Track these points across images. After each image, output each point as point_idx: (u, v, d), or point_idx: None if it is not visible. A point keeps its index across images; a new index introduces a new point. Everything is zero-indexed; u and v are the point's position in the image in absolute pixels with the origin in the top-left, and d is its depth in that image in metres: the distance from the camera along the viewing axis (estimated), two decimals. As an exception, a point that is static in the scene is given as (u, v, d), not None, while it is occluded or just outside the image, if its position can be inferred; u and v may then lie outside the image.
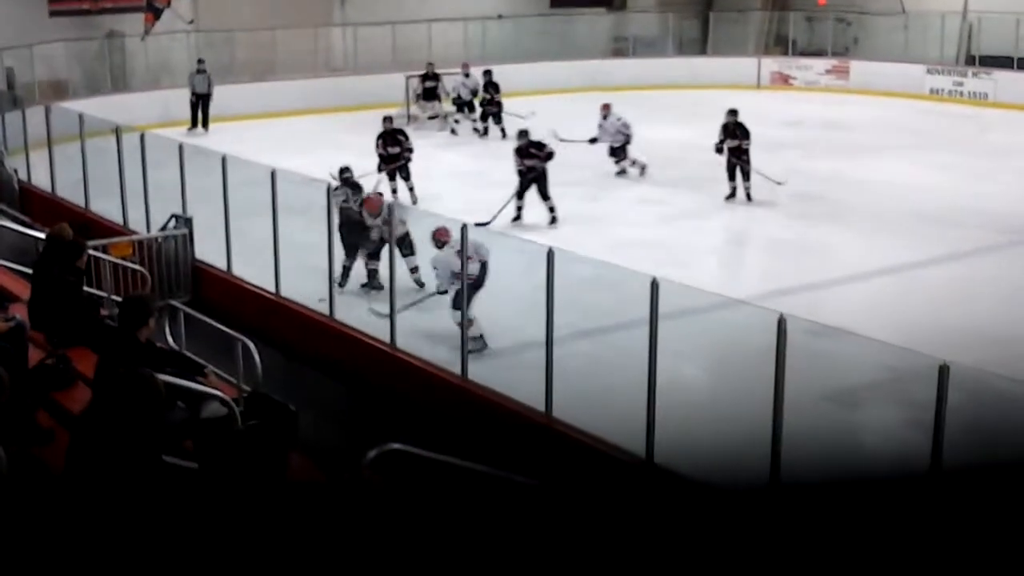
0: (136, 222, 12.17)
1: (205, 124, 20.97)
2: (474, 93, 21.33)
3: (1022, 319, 10.37)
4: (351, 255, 11.10)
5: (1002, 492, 6.61)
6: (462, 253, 8.64)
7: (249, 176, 10.90)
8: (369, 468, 5.52)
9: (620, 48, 29.15)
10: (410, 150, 15.21)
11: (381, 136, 15.22)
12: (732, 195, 15.44)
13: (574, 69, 26.52)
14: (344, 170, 12.20)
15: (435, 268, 9.96)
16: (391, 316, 9.21)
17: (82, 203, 13.19)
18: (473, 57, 23.88)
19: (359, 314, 10.13)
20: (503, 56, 25.24)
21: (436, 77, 21.90)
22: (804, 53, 28.44)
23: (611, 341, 9.39)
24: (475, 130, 21.22)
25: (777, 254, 13.39)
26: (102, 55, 22.55)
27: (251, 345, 7.50)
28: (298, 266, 10.54)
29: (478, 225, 10.03)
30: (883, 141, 20.07)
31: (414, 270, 10.92)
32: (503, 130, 21.13)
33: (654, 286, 6.93)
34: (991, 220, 14.26)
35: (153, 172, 12.08)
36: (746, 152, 15.34)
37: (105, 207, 12.87)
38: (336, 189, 11.22)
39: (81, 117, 13.25)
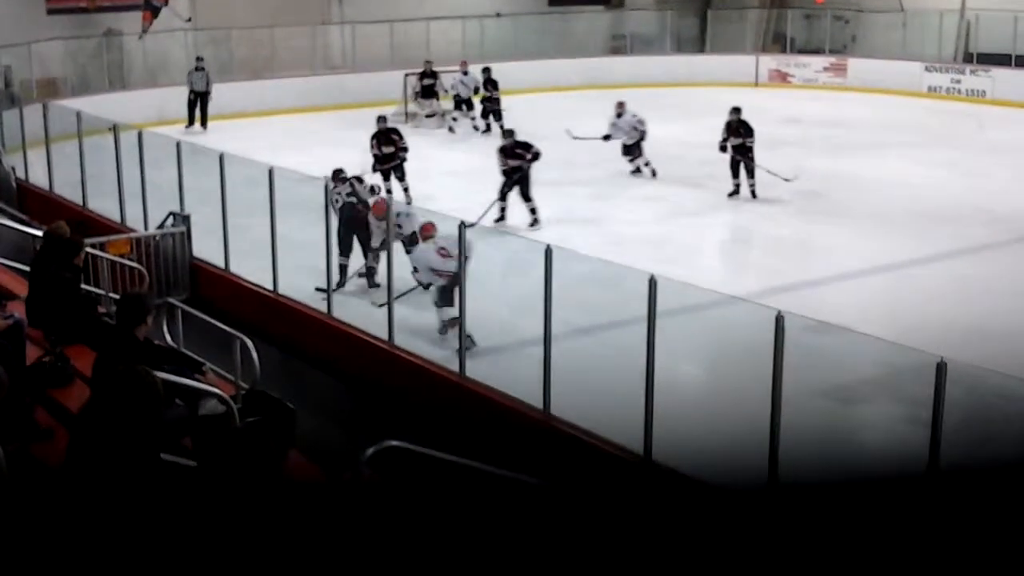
0: (134, 220, 12.16)
1: (204, 122, 20.94)
2: (476, 91, 21.32)
3: (1020, 315, 10.37)
4: (346, 253, 11.04)
5: (999, 488, 6.62)
6: (460, 251, 8.62)
7: (247, 174, 10.91)
8: (367, 465, 5.52)
9: (618, 46, 29.15)
10: (405, 149, 15.06)
11: (375, 136, 15.07)
12: (735, 192, 15.43)
13: (572, 67, 26.54)
14: (338, 171, 11.99)
15: (414, 264, 9.97)
16: (389, 314, 9.22)
17: (80, 201, 13.19)
18: (471, 55, 23.86)
19: (357, 311, 10.13)
20: (501, 54, 25.24)
21: (434, 75, 21.88)
22: (802, 51, 28.44)
23: (609, 338, 9.39)
24: (475, 128, 21.22)
25: (775, 251, 13.39)
26: (100, 53, 22.53)
27: (249, 343, 7.50)
28: (296, 264, 10.55)
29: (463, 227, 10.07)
30: (881, 139, 20.07)
31: (416, 270, 10.85)
32: (503, 128, 21.12)
33: (652, 283, 6.94)
34: (989, 217, 14.27)
35: (151, 170, 12.09)
36: (750, 150, 15.34)
37: (103, 205, 12.87)
38: (335, 187, 11.18)
39: (79, 115, 13.24)
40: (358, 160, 13.67)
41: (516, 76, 23.36)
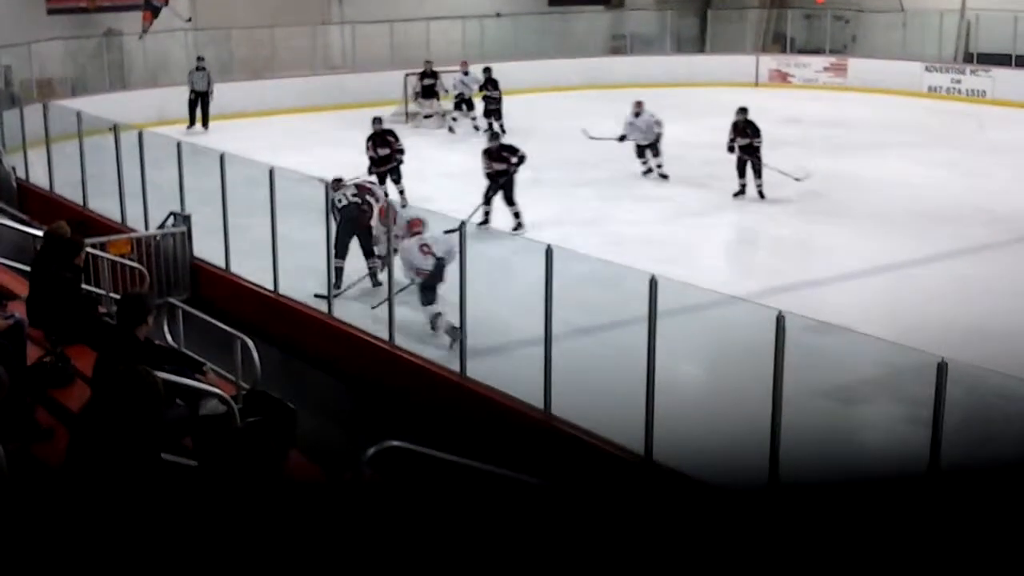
0: (134, 220, 12.16)
1: (205, 123, 20.94)
2: (481, 88, 21.31)
3: (1020, 315, 10.37)
4: (342, 255, 10.98)
5: (1000, 488, 6.61)
6: (461, 251, 8.61)
7: (247, 174, 10.91)
8: (368, 466, 5.52)
9: (618, 46, 29.16)
10: (401, 151, 14.79)
11: (370, 138, 14.81)
12: (741, 192, 15.40)
13: (572, 67, 26.55)
14: (338, 180, 11.85)
15: (402, 259, 9.98)
16: (390, 314, 9.23)
17: (80, 201, 13.19)
18: (472, 55, 23.87)
19: (357, 312, 10.13)
20: (502, 54, 25.25)
21: (435, 75, 21.87)
22: (802, 51, 28.44)
23: (610, 338, 9.39)
24: (475, 128, 21.22)
25: (775, 251, 13.40)
26: (100, 53, 22.53)
27: (250, 343, 7.50)
28: (296, 264, 10.55)
29: (447, 232, 10.13)
30: (881, 139, 20.07)
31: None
32: (503, 127, 21.15)
33: (653, 283, 6.94)
34: (989, 217, 14.27)
35: (151, 170, 12.08)
36: (757, 150, 15.32)
37: (103, 205, 12.87)
38: (337, 189, 11.15)
39: (79, 115, 13.24)
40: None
41: (516, 76, 23.37)
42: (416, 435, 6.03)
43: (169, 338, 8.45)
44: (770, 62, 27.95)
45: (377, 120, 15.08)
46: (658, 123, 16.52)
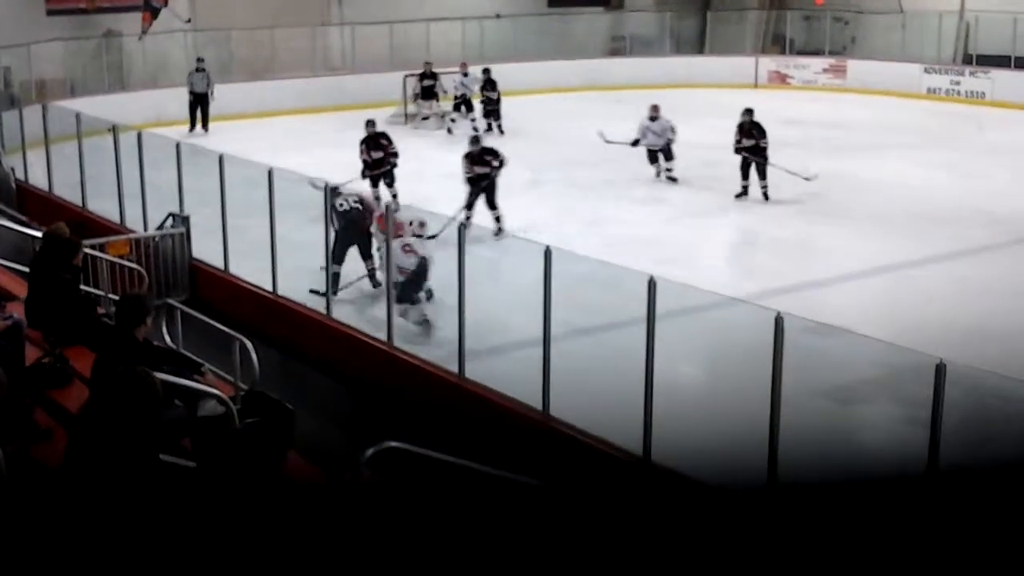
0: (133, 221, 12.16)
1: (205, 124, 20.94)
2: (481, 89, 21.30)
3: (1019, 316, 10.38)
4: (339, 260, 10.95)
5: (999, 489, 6.62)
6: (459, 252, 8.60)
7: (246, 175, 10.91)
8: (367, 466, 5.52)
9: (618, 47, 29.17)
10: (394, 155, 14.57)
11: (364, 141, 14.56)
12: (743, 194, 15.39)
13: (572, 68, 26.57)
14: (335, 189, 11.77)
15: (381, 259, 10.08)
16: (388, 315, 9.24)
17: (79, 202, 13.18)
18: (471, 56, 23.88)
19: (356, 313, 10.14)
20: (501, 55, 25.27)
21: (434, 76, 21.88)
22: (801, 52, 28.47)
23: (609, 339, 9.39)
24: (474, 129, 21.20)
25: (774, 252, 13.39)
26: (99, 54, 22.53)
27: (248, 344, 7.49)
28: (295, 265, 10.56)
29: (429, 238, 10.17)
30: (881, 140, 20.08)
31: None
32: (501, 127, 21.18)
33: (651, 285, 6.94)
34: (988, 218, 14.28)
35: (150, 171, 12.08)
36: (764, 151, 15.31)
37: (102, 206, 12.86)
38: (336, 192, 11.13)
39: (78, 116, 13.24)
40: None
41: (515, 77, 23.37)
42: (415, 436, 6.03)
43: (168, 339, 8.45)
44: (769, 63, 27.97)
45: (370, 123, 14.86)
46: (672, 129, 16.38)
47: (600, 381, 8.30)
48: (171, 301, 9.14)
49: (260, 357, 7.43)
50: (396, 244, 9.84)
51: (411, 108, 22.35)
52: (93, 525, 3.83)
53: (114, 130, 12.51)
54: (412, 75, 22.40)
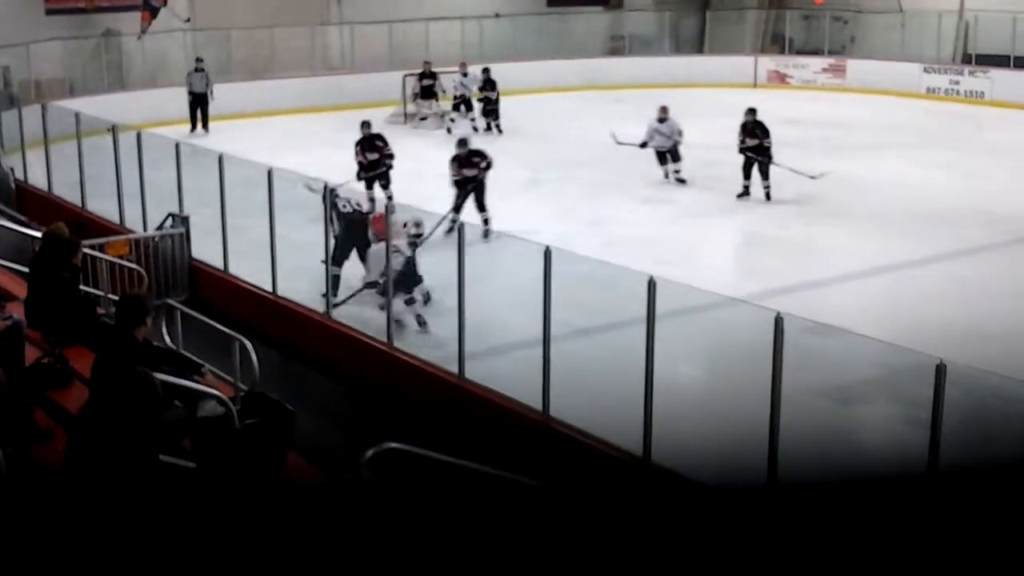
0: (133, 221, 12.16)
1: (205, 124, 20.93)
2: (480, 88, 21.28)
3: (1018, 316, 10.38)
4: (340, 262, 10.94)
5: (999, 489, 6.62)
6: (459, 252, 8.60)
7: (246, 175, 10.90)
8: (367, 467, 5.52)
9: (617, 47, 29.17)
10: (390, 156, 14.45)
11: (359, 142, 14.40)
12: (745, 194, 15.37)
13: (571, 67, 26.56)
14: (333, 191, 11.72)
15: (368, 261, 10.14)
16: (388, 316, 9.24)
17: (79, 202, 13.18)
18: (470, 56, 23.88)
19: (356, 313, 10.14)
20: (500, 55, 25.26)
21: (433, 75, 21.88)
22: (801, 52, 28.46)
23: (609, 340, 9.39)
24: (474, 129, 21.23)
25: (774, 252, 13.38)
26: (98, 54, 22.52)
27: (248, 344, 7.49)
28: (295, 265, 10.55)
29: (412, 240, 10.19)
30: (880, 140, 20.08)
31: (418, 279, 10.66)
32: (499, 127, 21.19)
33: (651, 285, 6.94)
34: (988, 218, 14.28)
35: (150, 171, 12.08)
36: (768, 150, 15.29)
37: (102, 206, 12.85)
38: (335, 194, 11.12)
39: (77, 116, 13.23)
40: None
41: (515, 77, 23.38)
42: (415, 437, 6.03)
43: (167, 339, 8.44)
44: (769, 63, 27.97)
45: (366, 124, 14.71)
46: (680, 131, 16.29)
47: (600, 381, 8.29)
48: (171, 301, 9.14)
49: (260, 357, 7.43)
50: (383, 245, 9.91)
51: (410, 108, 22.35)
52: (93, 526, 3.83)
53: (113, 130, 12.50)
54: (411, 75, 22.39)
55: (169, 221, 11.50)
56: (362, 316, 10.00)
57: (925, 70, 25.68)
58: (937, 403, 5.60)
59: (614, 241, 12.76)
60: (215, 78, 21.33)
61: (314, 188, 10.81)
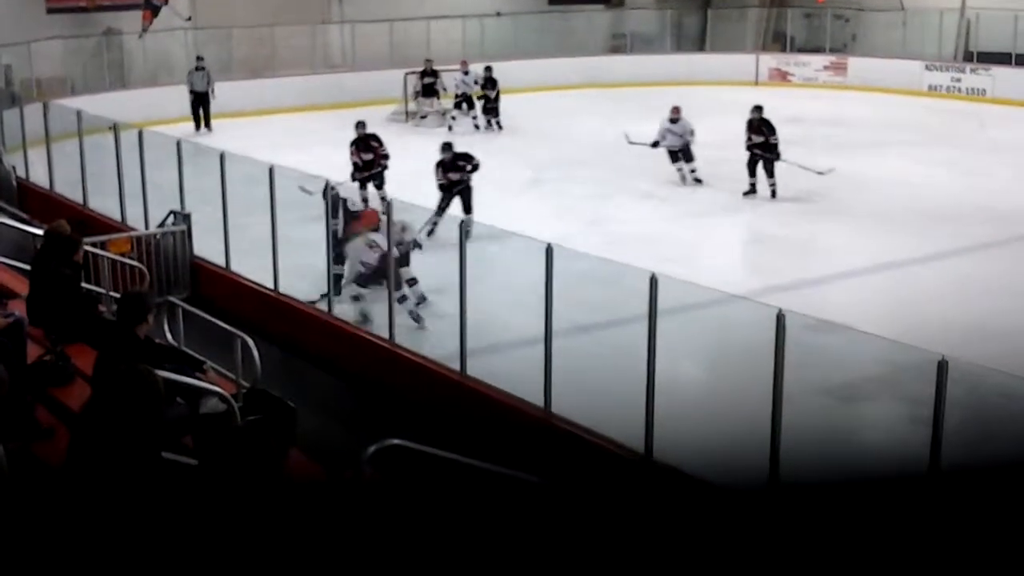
0: (134, 219, 12.16)
1: (207, 123, 20.93)
2: (483, 86, 21.26)
3: (1020, 314, 10.37)
4: (341, 261, 10.95)
5: (1000, 487, 6.61)
6: (461, 251, 8.61)
7: (247, 172, 10.90)
8: (368, 464, 5.52)
9: (618, 45, 29.15)
10: (385, 156, 14.41)
11: (354, 142, 14.35)
12: (752, 191, 15.34)
13: (572, 66, 26.54)
14: (333, 187, 11.69)
15: (346, 255, 10.25)
16: (390, 313, 9.24)
17: (80, 200, 13.18)
18: (472, 54, 23.87)
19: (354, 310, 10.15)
20: (501, 53, 25.25)
21: (435, 74, 21.88)
22: (802, 50, 28.43)
23: (610, 337, 9.39)
24: (475, 127, 21.26)
25: (776, 250, 13.39)
26: (100, 52, 22.53)
27: (250, 341, 7.49)
28: (296, 263, 10.55)
29: (402, 246, 10.23)
30: (882, 137, 20.07)
31: (412, 282, 10.57)
32: (499, 123, 21.19)
33: (653, 282, 6.93)
34: (990, 215, 14.27)
35: (151, 169, 12.08)
36: (774, 147, 15.26)
37: (103, 204, 12.86)
38: (336, 192, 11.12)
39: (79, 114, 13.24)
40: None
41: (516, 75, 23.37)
42: (416, 433, 6.03)
43: (169, 337, 8.45)
44: (770, 61, 27.95)
45: (360, 124, 14.60)
46: (692, 131, 16.16)
47: (602, 378, 8.30)
48: (172, 299, 9.14)
49: (262, 354, 7.44)
50: (360, 241, 10.09)
51: (411, 106, 22.35)
52: (95, 523, 3.83)
53: (115, 128, 12.50)
54: (412, 73, 22.39)
55: (171, 219, 11.51)
56: (336, 307, 10.06)
57: (927, 68, 25.65)
58: (939, 400, 5.59)
59: (615, 239, 12.74)
60: (216, 76, 21.33)
61: (308, 190, 10.83)
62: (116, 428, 3.99)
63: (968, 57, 25.75)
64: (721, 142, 16.38)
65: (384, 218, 10.37)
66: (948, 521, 5.81)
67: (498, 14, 27.46)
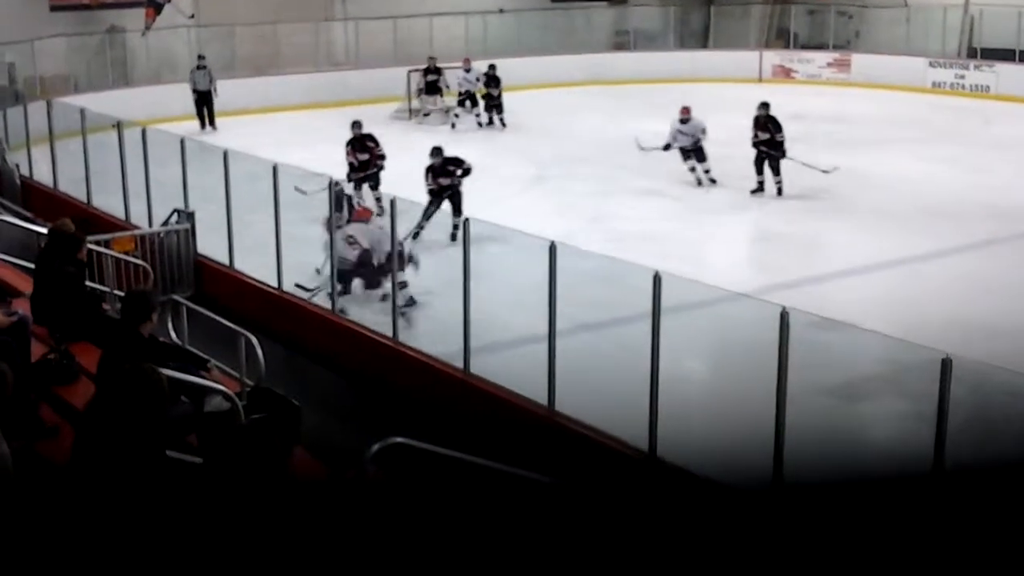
0: (138, 217, 12.17)
1: (211, 121, 20.93)
2: (487, 84, 21.27)
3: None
4: None
5: (1005, 485, 6.61)
6: (465, 249, 8.61)
7: (251, 170, 10.91)
8: (372, 462, 5.52)
9: (621, 42, 29.14)
10: (382, 157, 14.28)
11: (350, 143, 14.24)
12: (759, 189, 15.30)
13: (576, 63, 26.54)
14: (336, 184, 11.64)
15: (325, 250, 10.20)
16: (393, 311, 9.25)
17: (84, 198, 13.20)
18: (474, 51, 23.89)
19: (361, 308, 10.15)
20: (504, 50, 25.25)
21: (438, 71, 21.90)
22: (806, 46, 28.42)
23: (614, 335, 9.38)
24: (478, 124, 21.26)
25: (780, 248, 13.37)
26: (103, 50, 22.55)
27: (254, 340, 7.50)
28: (300, 260, 10.57)
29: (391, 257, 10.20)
30: (885, 134, 20.04)
31: (402, 285, 10.28)
32: (502, 120, 21.19)
33: (656, 280, 6.93)
34: (994, 212, 14.25)
35: (155, 167, 12.09)
36: (780, 145, 15.22)
37: (107, 202, 12.87)
38: (339, 187, 11.14)
39: (83, 112, 13.26)
40: None
41: (519, 72, 23.37)
42: (420, 432, 6.04)
43: (173, 335, 8.45)
44: (773, 58, 27.92)
45: (356, 124, 14.46)
46: (703, 130, 15.98)
47: (606, 377, 8.29)
48: (176, 297, 9.14)
49: (265, 353, 7.45)
50: (338, 235, 10.10)
51: (415, 103, 22.36)
52: (100, 521, 3.84)
53: (118, 126, 12.51)
54: (416, 70, 22.40)
55: (174, 217, 11.51)
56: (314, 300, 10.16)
57: (930, 64, 25.62)
58: (943, 398, 5.59)
59: (618, 237, 12.74)
60: (219, 74, 21.33)
61: (303, 190, 10.80)
62: (120, 427, 4.00)
63: (972, 54, 25.71)
64: (725, 139, 16.36)
65: (377, 218, 10.40)
66: (953, 520, 5.81)
67: (501, 11, 27.46)
